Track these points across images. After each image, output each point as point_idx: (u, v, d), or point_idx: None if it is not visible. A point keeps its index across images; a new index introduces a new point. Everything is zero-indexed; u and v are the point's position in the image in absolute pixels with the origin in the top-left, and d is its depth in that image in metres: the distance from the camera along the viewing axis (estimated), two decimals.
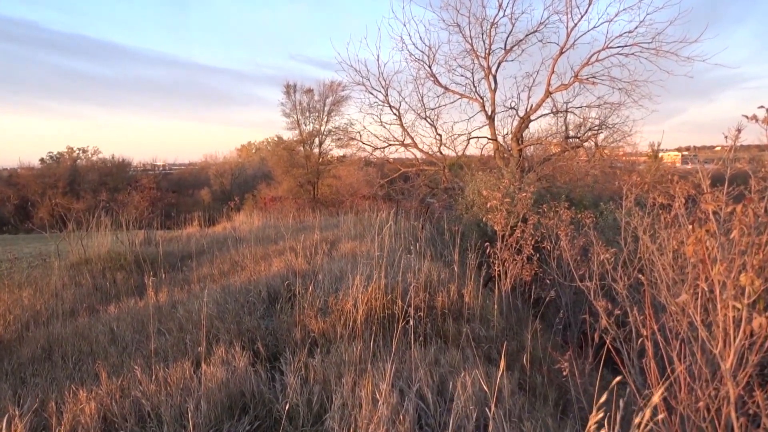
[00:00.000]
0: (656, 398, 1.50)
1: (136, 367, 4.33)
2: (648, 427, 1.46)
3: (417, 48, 15.97)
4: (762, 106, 3.05)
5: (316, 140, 35.78)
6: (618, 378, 1.73)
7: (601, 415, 1.54)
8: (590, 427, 1.55)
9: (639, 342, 3.62)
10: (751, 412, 2.61)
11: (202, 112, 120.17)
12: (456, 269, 6.28)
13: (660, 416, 1.59)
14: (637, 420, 1.46)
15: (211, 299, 6.09)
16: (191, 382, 4.13)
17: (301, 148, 36.03)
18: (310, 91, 35.20)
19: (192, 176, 57.56)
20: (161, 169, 58.20)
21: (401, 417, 3.37)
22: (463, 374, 3.77)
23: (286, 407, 3.62)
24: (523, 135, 15.77)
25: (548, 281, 6.82)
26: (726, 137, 3.39)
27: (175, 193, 38.96)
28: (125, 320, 6.27)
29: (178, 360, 4.59)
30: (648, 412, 1.44)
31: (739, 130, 3.31)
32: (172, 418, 3.72)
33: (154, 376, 4.24)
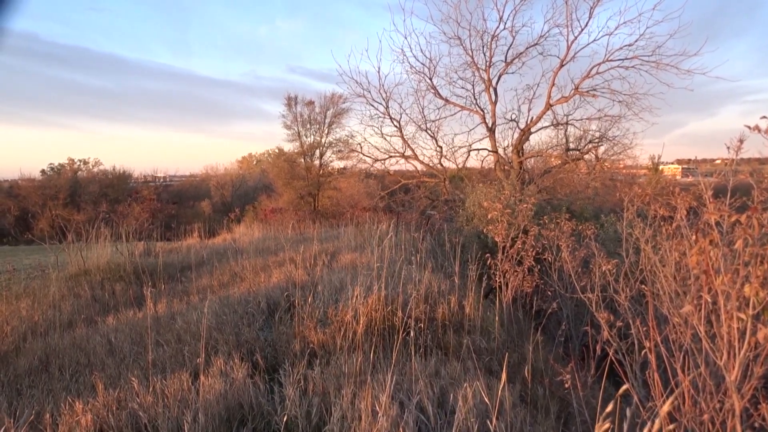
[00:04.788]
0: (666, 407, 1.46)
1: (134, 379, 4.28)
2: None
3: (418, 60, 16.06)
4: (764, 117, 3.03)
5: (317, 152, 35.78)
6: (625, 386, 1.70)
7: (607, 425, 1.50)
8: None
9: (642, 354, 3.57)
10: (756, 425, 2.58)
11: (203, 124, 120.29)
12: (456, 281, 6.25)
13: (671, 426, 1.54)
14: (645, 431, 1.42)
15: (210, 310, 6.05)
16: (189, 394, 4.08)
17: (302, 160, 36.01)
18: (311, 103, 35.24)
19: (193, 188, 57.57)
20: (162, 180, 58.10)
21: (401, 430, 3.32)
22: (464, 386, 3.73)
23: (285, 419, 3.57)
24: (524, 147, 15.80)
25: (549, 293, 6.79)
26: (728, 148, 3.37)
27: (175, 205, 38.86)
28: (123, 331, 6.22)
29: (176, 371, 4.54)
30: (657, 423, 1.41)
31: (741, 141, 3.29)
32: (169, 431, 3.67)
33: (151, 388, 4.18)
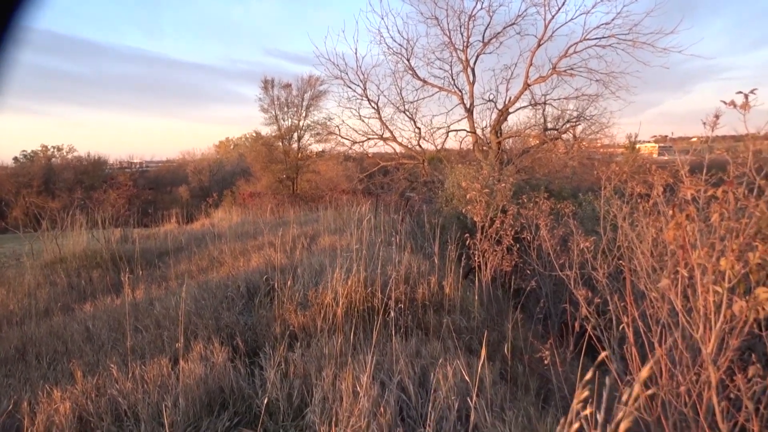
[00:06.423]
0: (645, 373, 1.47)
1: (112, 366, 4.24)
2: (636, 404, 1.43)
3: (395, 41, 15.94)
4: (740, 92, 3.05)
5: (295, 135, 35.42)
6: (603, 354, 1.71)
7: (586, 393, 1.50)
8: (575, 405, 1.52)
9: (619, 329, 3.61)
10: (732, 396, 2.61)
11: (179, 108, 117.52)
12: (436, 261, 6.26)
13: (649, 391, 1.57)
14: (624, 397, 1.43)
15: (189, 295, 5.99)
16: (169, 379, 4.05)
17: (280, 144, 35.65)
18: (288, 86, 34.73)
19: (170, 173, 56.80)
20: (138, 166, 57.18)
21: (382, 409, 3.33)
22: (444, 365, 3.75)
23: (266, 402, 3.56)
24: (502, 127, 15.83)
25: (528, 271, 6.83)
26: (704, 124, 3.40)
27: (152, 191, 38.36)
28: (101, 318, 6.15)
29: (156, 357, 4.51)
30: (637, 387, 1.42)
31: (717, 116, 3.32)
32: (149, 416, 3.64)
33: (130, 374, 4.15)
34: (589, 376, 1.53)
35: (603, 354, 1.68)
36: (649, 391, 1.56)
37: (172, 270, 8.82)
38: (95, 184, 40.62)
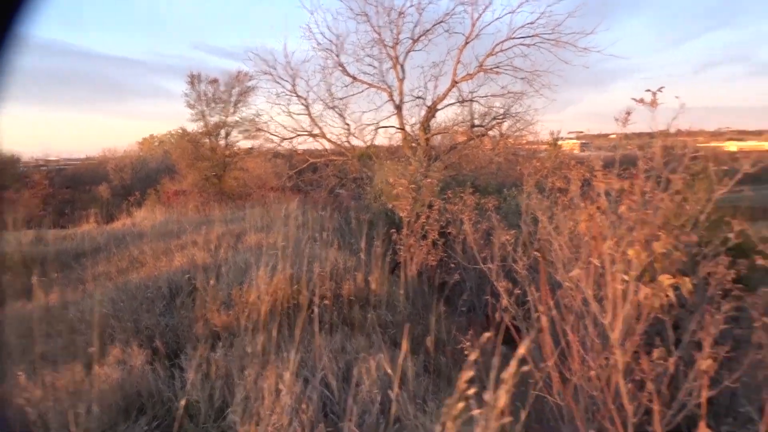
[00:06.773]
0: (522, 350, 1.53)
1: (20, 374, 4.02)
2: (514, 381, 1.49)
3: (325, 37, 15.78)
4: (648, 90, 3.20)
5: (222, 132, 34.61)
6: (487, 334, 1.75)
7: (471, 373, 1.55)
8: (460, 384, 1.56)
9: (536, 318, 3.72)
10: (637, 378, 2.73)
11: (101, 103, 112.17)
12: (363, 257, 6.27)
13: (526, 368, 1.62)
14: (503, 375, 1.48)
15: (107, 298, 5.78)
16: (82, 386, 3.89)
17: (207, 140, 34.78)
18: (215, 81, 33.72)
19: (89, 171, 54.18)
20: (55, 164, 54.58)
21: (305, 405, 3.30)
22: (368, 359, 3.76)
23: (183, 404, 3.46)
24: (431, 124, 15.98)
25: (453, 265, 6.92)
26: (617, 120, 3.55)
27: (69, 189, 36.69)
28: (10, 325, 5.82)
29: (69, 363, 4.31)
30: (514, 364, 1.46)
31: (628, 113, 3.47)
32: (60, 425, 3.48)
33: (40, 382, 3.95)
34: (473, 357, 1.57)
35: (486, 335, 1.72)
36: (525, 368, 1.61)
37: (89, 272, 8.46)
38: (7, 183, 38.46)
